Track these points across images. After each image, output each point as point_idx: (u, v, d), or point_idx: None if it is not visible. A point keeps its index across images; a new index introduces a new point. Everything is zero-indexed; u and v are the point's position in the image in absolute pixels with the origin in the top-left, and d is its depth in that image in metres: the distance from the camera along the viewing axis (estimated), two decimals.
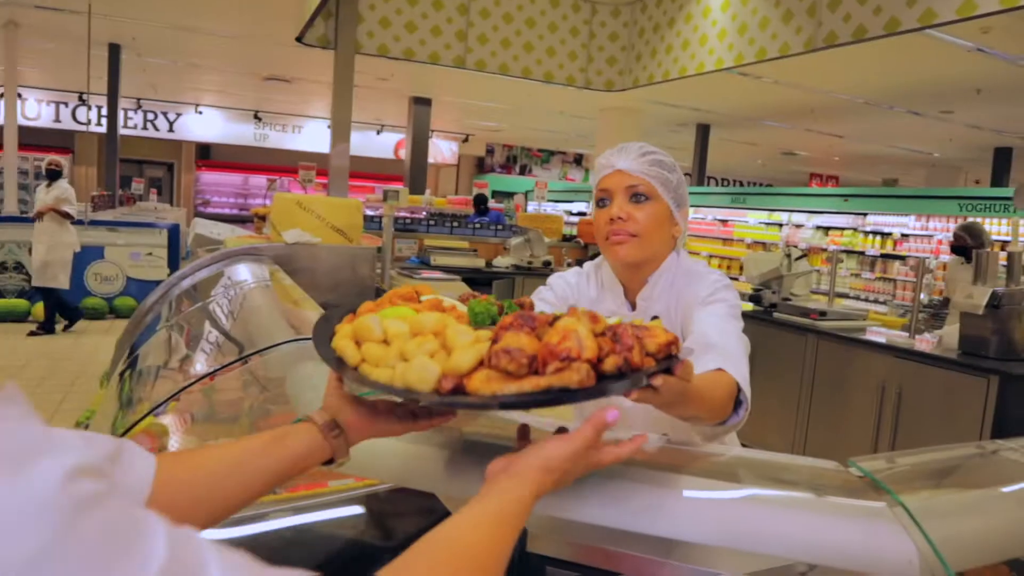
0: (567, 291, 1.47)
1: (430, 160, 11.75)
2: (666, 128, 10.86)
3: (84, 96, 12.17)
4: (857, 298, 8.85)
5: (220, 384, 1.37)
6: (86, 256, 7.54)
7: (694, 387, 0.77)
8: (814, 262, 8.42)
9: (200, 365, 1.60)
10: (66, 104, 13.18)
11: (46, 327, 6.79)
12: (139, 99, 13.14)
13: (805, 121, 9.67)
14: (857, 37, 4.35)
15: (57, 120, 13.29)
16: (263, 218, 4.35)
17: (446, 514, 0.87)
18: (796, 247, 7.64)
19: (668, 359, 0.67)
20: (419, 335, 0.65)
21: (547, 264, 6.94)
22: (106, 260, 7.87)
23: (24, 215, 7.95)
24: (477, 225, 7.82)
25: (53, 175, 6.84)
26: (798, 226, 10.05)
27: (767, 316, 4.59)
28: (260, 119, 13.85)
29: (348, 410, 0.75)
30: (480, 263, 6.85)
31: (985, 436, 3.29)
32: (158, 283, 2.88)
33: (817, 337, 4.24)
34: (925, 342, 3.94)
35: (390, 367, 0.63)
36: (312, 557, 0.94)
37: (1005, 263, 3.67)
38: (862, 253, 9.06)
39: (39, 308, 7.01)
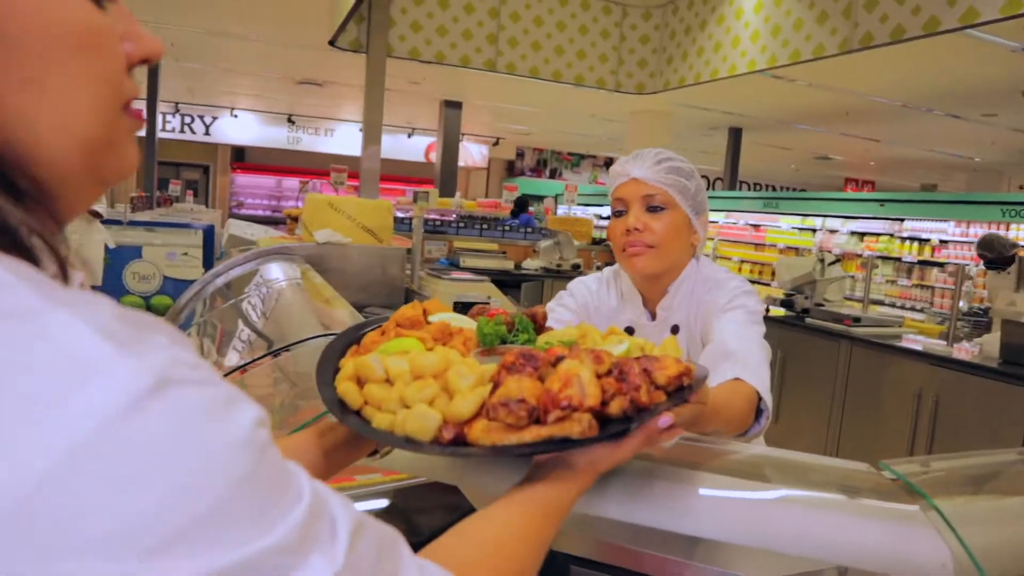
0: (588, 297, 1.46)
1: (460, 163, 11.79)
2: (697, 132, 10.75)
3: None
4: (893, 305, 8.64)
5: (250, 380, 1.39)
6: (125, 256, 7.69)
7: (710, 405, 0.75)
8: (848, 268, 8.26)
9: (232, 361, 1.63)
10: None
11: None
12: (177, 103, 13.42)
13: (840, 124, 9.48)
14: (895, 38, 4.26)
15: None
16: (295, 219, 4.41)
17: (471, 510, 0.88)
18: (830, 252, 7.50)
19: (680, 391, 0.65)
20: (420, 378, 0.65)
21: (576, 267, 6.91)
22: (144, 260, 8.02)
23: None
24: (507, 228, 7.79)
25: None
26: (832, 231, 9.87)
27: (799, 321, 4.52)
28: (293, 122, 14.04)
29: None
30: (509, 265, 6.85)
31: None
32: (193, 282, 2.94)
33: (851, 344, 4.16)
34: (964, 351, 3.84)
35: (391, 412, 0.64)
36: None
37: None
38: (899, 259, 8.85)
39: None
